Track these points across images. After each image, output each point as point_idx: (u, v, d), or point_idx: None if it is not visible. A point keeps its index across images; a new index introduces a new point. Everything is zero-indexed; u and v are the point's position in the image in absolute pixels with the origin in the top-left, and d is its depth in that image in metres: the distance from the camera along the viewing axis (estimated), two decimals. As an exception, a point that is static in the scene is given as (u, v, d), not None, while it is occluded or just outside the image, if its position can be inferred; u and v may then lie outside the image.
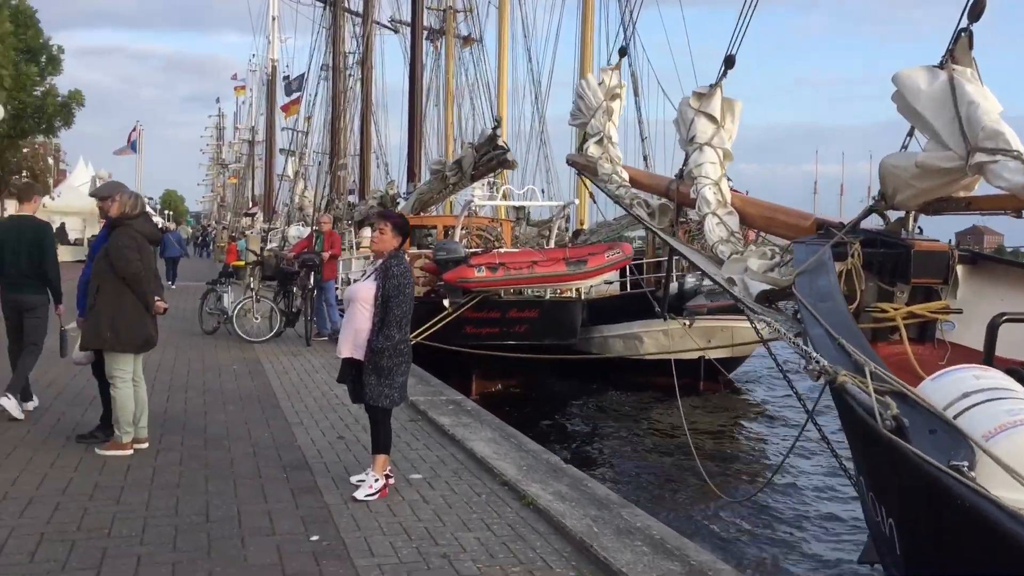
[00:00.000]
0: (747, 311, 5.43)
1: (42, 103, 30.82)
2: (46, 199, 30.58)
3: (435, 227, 20.38)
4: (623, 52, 9.74)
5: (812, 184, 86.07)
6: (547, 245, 18.14)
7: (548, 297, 16.12)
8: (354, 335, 5.84)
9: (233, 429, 7.64)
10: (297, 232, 31.77)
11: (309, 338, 13.51)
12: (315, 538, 4.97)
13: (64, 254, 8.43)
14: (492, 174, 20.21)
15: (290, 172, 39.88)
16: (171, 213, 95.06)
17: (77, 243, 37.86)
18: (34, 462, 6.38)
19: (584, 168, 8.68)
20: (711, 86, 6.62)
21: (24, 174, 39.07)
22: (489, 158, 17.31)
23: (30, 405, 8.17)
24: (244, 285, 16.99)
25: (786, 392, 18.24)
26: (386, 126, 41.56)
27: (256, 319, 13.99)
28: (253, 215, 51.22)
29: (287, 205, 40.40)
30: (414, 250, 15.95)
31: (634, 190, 8.18)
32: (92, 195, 8.46)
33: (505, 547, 4.92)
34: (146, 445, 6.85)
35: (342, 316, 13.60)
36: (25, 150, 38.52)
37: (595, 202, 14.41)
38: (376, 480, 5.78)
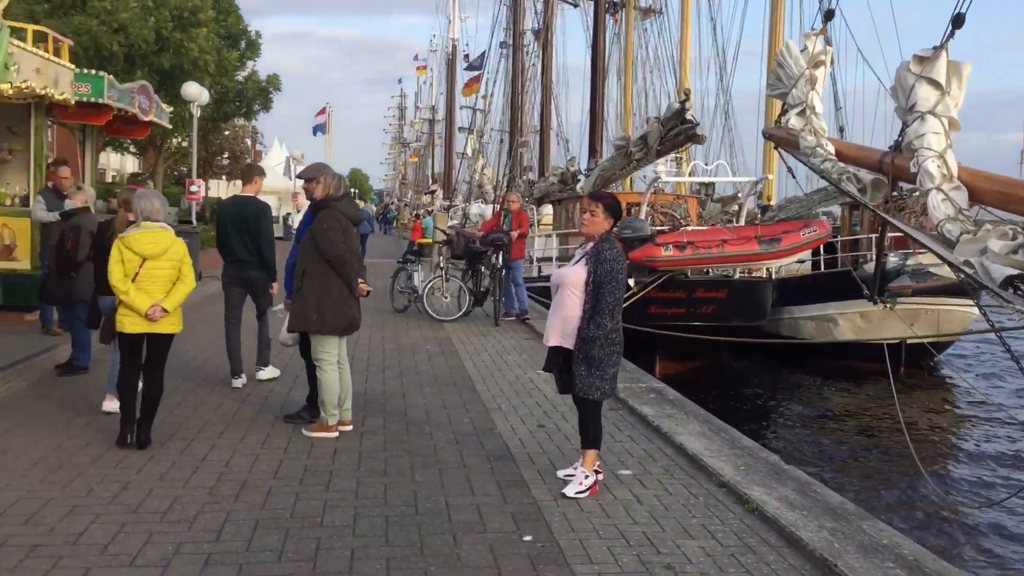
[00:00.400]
0: (997, 299, 4.80)
1: (243, 87, 32.33)
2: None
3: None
4: (830, 15, 8.94)
5: (1017, 155, 79.55)
6: (736, 222, 17.39)
7: (737, 277, 15.46)
8: (562, 322, 5.54)
9: (433, 413, 7.54)
10: (479, 210, 32.11)
11: (497, 318, 13.41)
12: (528, 538, 4.71)
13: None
14: (677, 150, 19.50)
15: (469, 150, 40.37)
16: (357, 191, 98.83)
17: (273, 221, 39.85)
18: (245, 443, 6.47)
19: (784, 141, 8.03)
20: (935, 48, 5.91)
21: (225, 155, 41.41)
22: (676, 132, 16.64)
23: (238, 382, 8.41)
24: (432, 264, 17.15)
25: (1001, 383, 16.82)
26: (566, 102, 41.39)
27: (445, 298, 14.02)
28: (433, 193, 52.35)
29: (467, 183, 41.00)
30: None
31: (841, 164, 7.52)
32: (298, 177, 8.75)
33: (735, 560, 4.49)
34: (350, 428, 6.83)
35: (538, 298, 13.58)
36: (226, 132, 40.69)
37: (794, 177, 13.36)
38: (586, 476, 5.47)
